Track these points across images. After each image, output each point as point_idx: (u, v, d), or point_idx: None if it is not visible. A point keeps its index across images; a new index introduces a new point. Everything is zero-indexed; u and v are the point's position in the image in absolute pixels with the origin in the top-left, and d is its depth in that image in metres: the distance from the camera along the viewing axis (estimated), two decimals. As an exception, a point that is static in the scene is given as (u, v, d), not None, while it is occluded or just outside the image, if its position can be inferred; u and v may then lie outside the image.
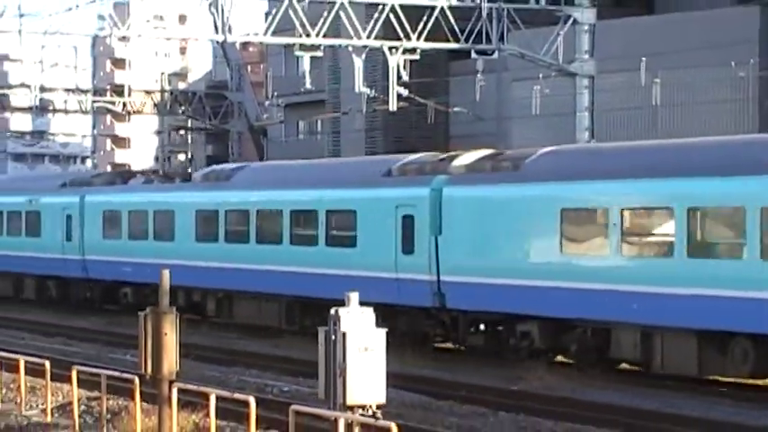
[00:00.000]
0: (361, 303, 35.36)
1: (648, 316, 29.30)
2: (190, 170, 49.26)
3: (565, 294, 31.18)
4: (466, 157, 35.75)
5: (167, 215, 45.12)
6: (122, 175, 52.49)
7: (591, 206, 31.24)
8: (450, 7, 45.36)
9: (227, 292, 42.34)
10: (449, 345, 36.01)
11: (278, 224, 40.02)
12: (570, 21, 47.47)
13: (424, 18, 45.31)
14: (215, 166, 47.28)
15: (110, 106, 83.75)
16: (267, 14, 47.08)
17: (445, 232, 34.45)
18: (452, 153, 37.06)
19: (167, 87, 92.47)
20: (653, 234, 30.47)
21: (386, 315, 34.70)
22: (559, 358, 33.19)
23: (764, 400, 27.25)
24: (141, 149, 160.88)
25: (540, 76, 51.98)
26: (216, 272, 42.13)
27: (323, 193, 38.92)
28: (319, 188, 39.21)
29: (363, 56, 46.49)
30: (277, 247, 39.96)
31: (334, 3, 44.52)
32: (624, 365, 31.33)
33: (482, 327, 34.05)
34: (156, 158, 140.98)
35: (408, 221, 35.35)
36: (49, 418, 25.24)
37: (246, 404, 19.93)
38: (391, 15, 45.12)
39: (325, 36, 45.03)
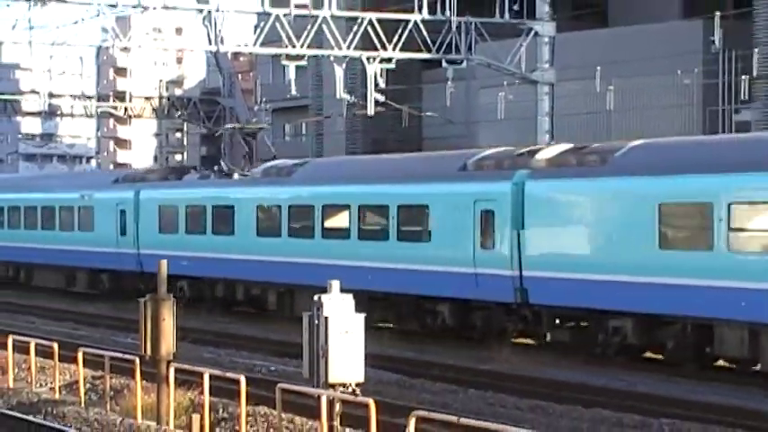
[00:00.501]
0: (435, 298, 33.96)
1: (758, 313, 26.33)
2: (247, 167, 44.99)
3: (664, 290, 28.14)
4: (547, 152, 33.02)
5: (227, 210, 42.17)
6: (176, 171, 49.77)
7: (694, 201, 28.04)
8: (423, 21, 45.34)
9: (289, 286, 39.22)
10: (528, 341, 32.92)
11: (345, 219, 37.15)
12: (532, 33, 47.45)
13: (399, 30, 45.27)
14: (274, 162, 43.90)
15: (112, 111, 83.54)
16: (256, 27, 46.95)
17: (528, 227, 31.45)
18: (531, 147, 34.29)
19: (165, 94, 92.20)
20: (764, 230, 26.92)
21: (460, 310, 33.72)
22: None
23: None
24: (141, 150, 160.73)
25: (505, 83, 52.02)
26: (278, 266, 39.08)
27: (395, 187, 35.99)
28: (391, 183, 36.29)
29: (344, 65, 46.42)
30: (344, 241, 37.01)
31: (317, 17, 44.46)
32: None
33: (558, 321, 31.53)
34: (155, 158, 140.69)
35: (488, 216, 32.43)
36: (57, 395, 25.21)
37: (237, 382, 19.91)
38: (369, 28, 45.08)
39: (308, 47, 44.96)
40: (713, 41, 47.34)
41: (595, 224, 30.01)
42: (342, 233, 37.07)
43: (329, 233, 37.59)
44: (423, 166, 37.03)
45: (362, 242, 36.44)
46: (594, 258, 29.92)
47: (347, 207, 36.97)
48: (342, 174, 39.02)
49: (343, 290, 35.81)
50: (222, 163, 46.27)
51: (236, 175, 43.78)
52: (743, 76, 51.09)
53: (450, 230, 33.66)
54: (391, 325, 36.02)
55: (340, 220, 37.41)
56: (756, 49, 49.72)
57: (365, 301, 35.51)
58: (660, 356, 29.56)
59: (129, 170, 52.29)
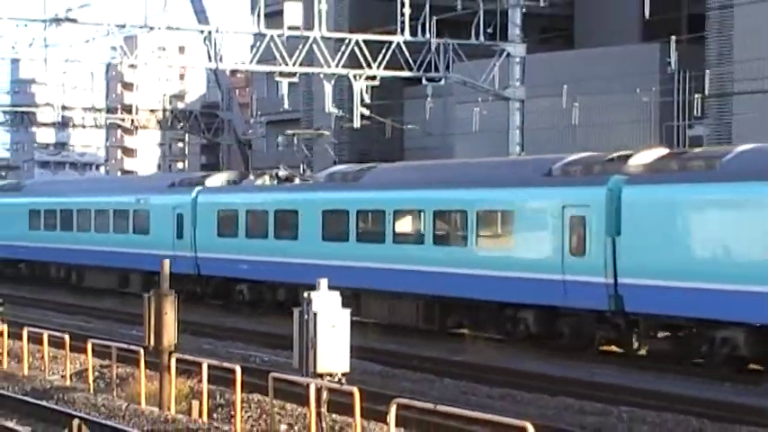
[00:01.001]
0: (518, 305, 31.03)
1: None
2: (307, 172, 42.23)
3: None
4: (642, 157, 29.73)
5: (290, 214, 38.80)
6: (234, 176, 46.26)
7: None
8: (405, 42, 45.34)
9: (356, 290, 34.41)
10: (617, 349, 29.64)
11: (419, 224, 33.68)
12: (504, 54, 47.46)
13: (383, 50, 45.26)
14: (339, 167, 41.05)
15: (120, 122, 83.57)
16: (252, 46, 46.86)
17: (625, 233, 28.17)
18: (622, 153, 30.82)
19: (168, 107, 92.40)
20: None
21: (546, 317, 30.51)
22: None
23: None
24: (146, 158, 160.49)
25: (480, 99, 52.01)
26: (344, 270, 34.89)
27: (474, 192, 32.43)
28: (470, 188, 32.66)
29: (332, 81, 46.40)
30: (417, 246, 33.50)
31: (308, 37, 44.43)
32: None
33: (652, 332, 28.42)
34: (159, 166, 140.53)
35: (578, 222, 29.27)
36: (68, 383, 25.16)
37: (233, 372, 19.89)
38: (356, 48, 45.07)
39: (300, 65, 44.92)
40: (669, 63, 47.43)
41: (705, 230, 26.89)
42: (415, 238, 33.97)
43: (401, 238, 34.43)
44: (504, 172, 33.84)
45: (438, 247, 33.07)
46: (703, 266, 26.75)
47: (422, 212, 33.64)
48: (416, 178, 35.72)
49: (411, 295, 33.53)
50: (281, 168, 42.94)
51: (297, 180, 41.08)
52: (696, 95, 51.23)
53: (536, 236, 30.55)
54: (466, 331, 33.14)
55: (413, 225, 34.37)
56: (708, 70, 49.87)
57: (436, 306, 33.54)
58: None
59: (185, 174, 48.49)
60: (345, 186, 37.71)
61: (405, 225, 34.59)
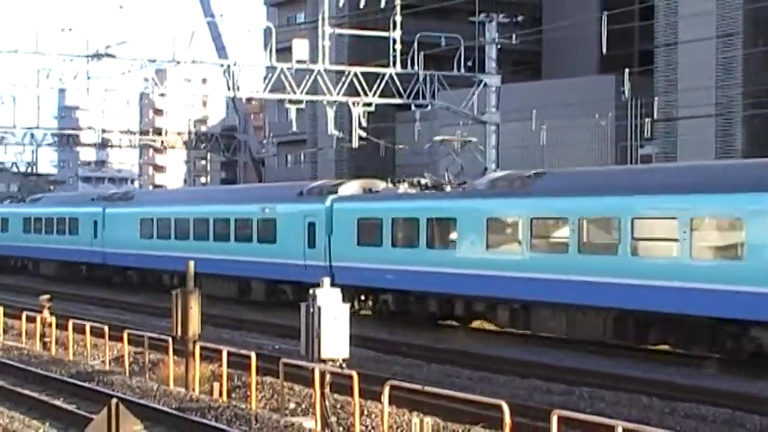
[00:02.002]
0: (743, 322, 23.90)
1: None
2: (458, 180, 34.53)
3: None
4: None
5: (445, 223, 32.38)
6: (369, 184, 38.99)
7: None
8: (397, 74, 45.36)
9: (528, 302, 29.41)
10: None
11: (614, 233, 26.74)
12: (482, 84, 47.49)
13: (378, 81, 45.30)
14: (502, 173, 33.73)
15: (151, 143, 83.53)
16: (265, 78, 46.87)
17: None
18: None
19: (193, 129, 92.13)
20: None
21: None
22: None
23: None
24: (174, 174, 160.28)
25: (461, 123, 52.02)
26: (514, 282, 29.36)
27: (689, 199, 25.35)
28: (682, 193, 25.51)
29: (334, 107, 46.38)
30: (612, 257, 26.65)
31: (313, 70, 44.43)
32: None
33: None
34: (185, 181, 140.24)
35: None
36: (107, 367, 25.12)
37: (249, 358, 19.86)
38: (354, 79, 45.08)
39: (306, 93, 44.91)
40: (623, 92, 47.53)
41: None
42: (608, 248, 26.98)
43: (590, 248, 27.53)
44: (731, 176, 26.04)
45: (637, 258, 26.11)
46: None
47: (618, 219, 26.62)
48: (604, 184, 28.26)
49: (603, 308, 26.63)
50: (426, 176, 36.31)
51: (447, 188, 34.13)
52: (646, 119, 51.36)
53: None
54: (627, 344, 27.50)
55: (604, 234, 27.53)
56: (656, 98, 50.00)
57: (630, 320, 26.81)
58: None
59: (315, 183, 41.39)
60: (515, 194, 30.41)
61: (595, 234, 27.79)
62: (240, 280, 42.34)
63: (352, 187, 38.45)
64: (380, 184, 37.95)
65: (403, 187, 36.20)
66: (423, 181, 35.81)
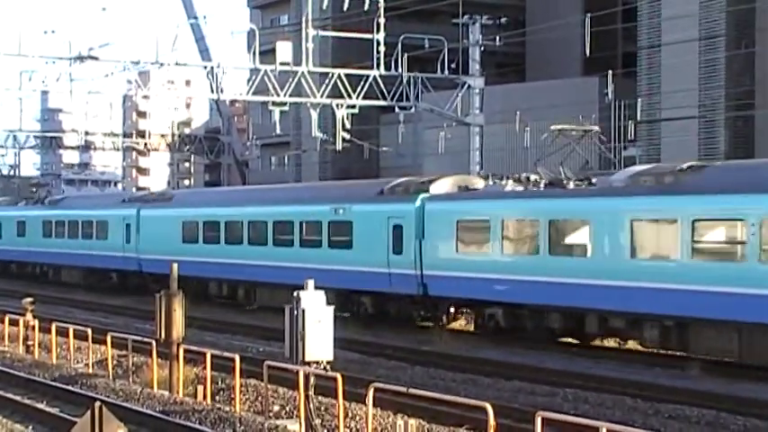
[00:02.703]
0: None
1: None
2: (569, 174, 29.77)
3: None
4: None
5: (574, 225, 27.71)
6: (465, 181, 34.13)
7: None
8: (380, 75, 45.34)
9: (683, 318, 24.80)
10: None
11: None
12: (466, 86, 47.53)
13: (362, 83, 45.29)
14: (643, 167, 28.61)
15: (135, 145, 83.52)
16: (249, 80, 46.78)
17: None
18: None
19: (176, 132, 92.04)
20: None
21: None
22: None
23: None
24: (157, 176, 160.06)
25: (445, 125, 52.10)
26: (668, 295, 24.56)
27: None
28: None
29: (318, 110, 46.35)
30: None
31: (297, 72, 44.39)
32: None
33: None
34: (168, 183, 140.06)
35: None
36: (90, 370, 25.05)
37: (233, 360, 19.84)
38: (338, 81, 45.06)
39: (290, 95, 44.87)
40: (606, 94, 47.68)
41: None
42: None
43: None
44: None
45: None
46: None
47: None
48: None
49: None
50: (540, 170, 30.86)
51: (571, 185, 28.98)
52: (629, 121, 51.50)
53: None
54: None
55: None
56: (639, 100, 50.13)
57: None
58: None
59: (397, 180, 35.81)
60: (665, 190, 25.52)
61: None
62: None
63: (445, 185, 33.72)
64: (479, 182, 33.85)
65: (510, 184, 31.32)
66: (532, 177, 30.66)
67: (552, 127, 32.57)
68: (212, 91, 46.99)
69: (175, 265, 20.98)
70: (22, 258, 58.63)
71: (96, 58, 44.35)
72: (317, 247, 36.36)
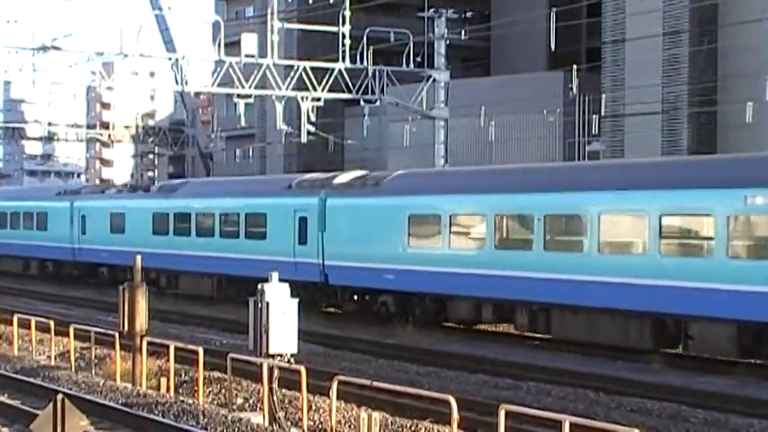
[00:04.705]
0: None
1: None
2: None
3: None
4: None
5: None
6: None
7: None
8: (346, 69, 45.28)
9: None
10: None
11: None
12: (431, 79, 47.57)
13: (327, 76, 45.22)
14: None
15: (98, 137, 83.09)
16: (213, 72, 46.62)
17: None
18: None
19: (140, 123, 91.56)
20: None
21: None
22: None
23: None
24: (121, 168, 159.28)
25: (410, 118, 52.13)
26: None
27: None
28: None
29: (283, 102, 46.25)
30: None
31: (262, 64, 44.26)
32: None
33: None
34: (132, 175, 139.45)
35: None
36: (53, 362, 24.91)
37: (196, 353, 19.78)
38: (303, 74, 44.96)
39: (255, 88, 44.75)
40: (571, 88, 47.80)
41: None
42: None
43: None
44: None
45: None
46: None
47: None
48: None
49: None
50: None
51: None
52: (594, 116, 51.71)
53: None
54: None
55: None
56: (604, 95, 50.33)
57: None
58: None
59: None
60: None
61: None
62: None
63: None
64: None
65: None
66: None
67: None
68: (177, 83, 46.81)
69: (139, 257, 20.91)
70: (117, 261, 45.66)
71: (60, 49, 44.07)
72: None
